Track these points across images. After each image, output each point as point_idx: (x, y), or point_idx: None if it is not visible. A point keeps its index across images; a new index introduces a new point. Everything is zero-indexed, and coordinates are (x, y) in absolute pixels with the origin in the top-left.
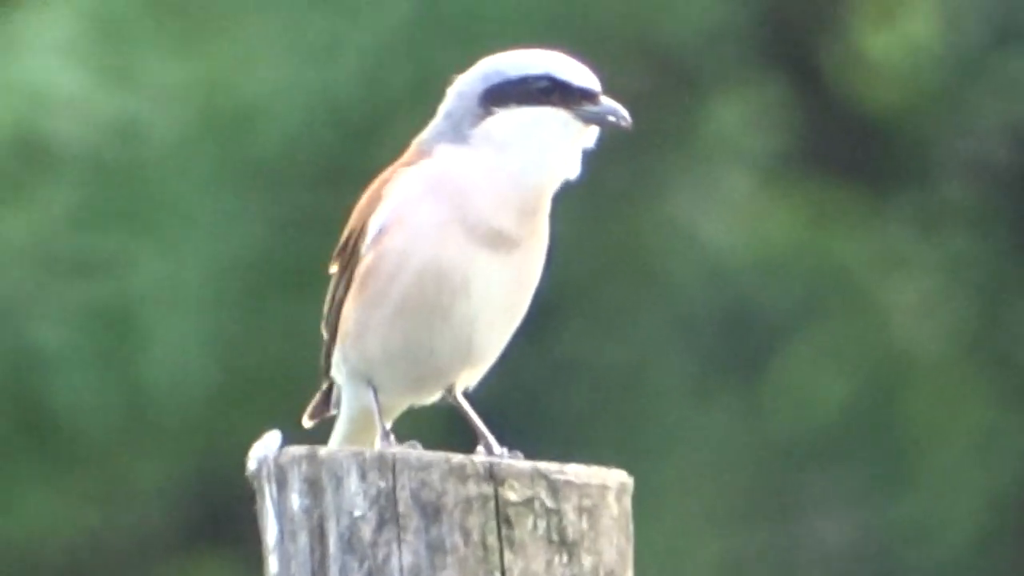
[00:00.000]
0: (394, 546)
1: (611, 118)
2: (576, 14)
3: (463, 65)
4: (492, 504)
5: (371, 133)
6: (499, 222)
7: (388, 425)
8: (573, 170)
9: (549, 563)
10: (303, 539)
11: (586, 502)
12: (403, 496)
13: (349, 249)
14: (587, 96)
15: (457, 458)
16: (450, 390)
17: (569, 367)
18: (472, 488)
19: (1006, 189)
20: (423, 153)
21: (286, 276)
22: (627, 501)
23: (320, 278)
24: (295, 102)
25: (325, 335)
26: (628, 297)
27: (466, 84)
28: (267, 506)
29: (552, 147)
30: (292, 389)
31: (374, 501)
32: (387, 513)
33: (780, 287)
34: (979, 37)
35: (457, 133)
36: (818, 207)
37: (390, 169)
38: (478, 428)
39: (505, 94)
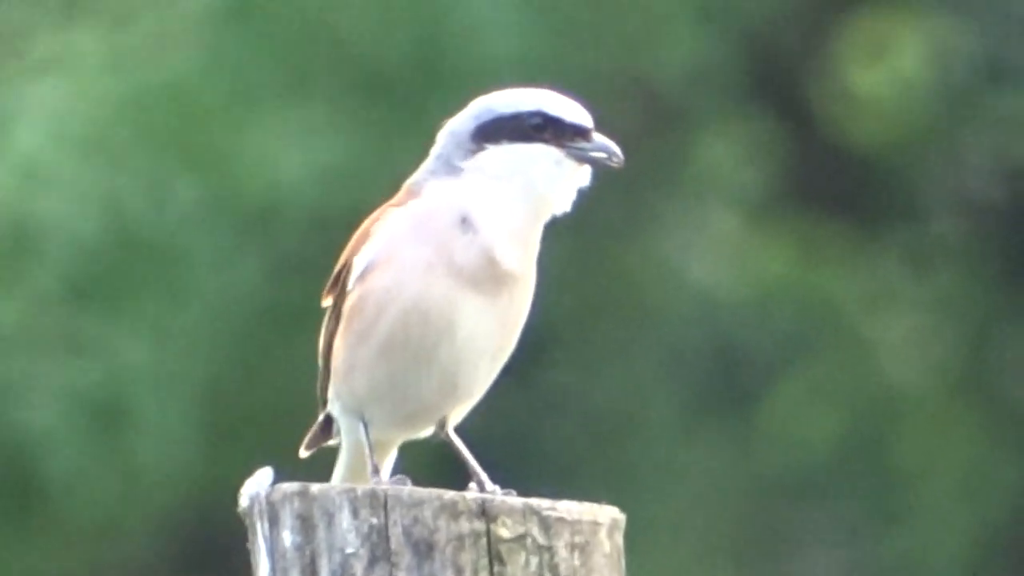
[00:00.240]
0: None
1: (602, 155)
2: (566, 52)
3: (454, 105)
4: (484, 541)
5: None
6: (487, 259)
7: (391, 459)
8: (563, 207)
9: None
10: None
11: (578, 539)
12: (395, 533)
13: (339, 285)
14: (579, 132)
15: (449, 495)
16: (442, 425)
17: (559, 404)
18: (464, 525)
19: (994, 225)
20: (412, 193)
21: (274, 343)
22: (619, 537)
23: (304, 338)
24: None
25: (320, 365)
26: (618, 333)
27: (457, 123)
28: (259, 543)
29: (543, 184)
30: (280, 433)
31: (366, 538)
32: (379, 550)
33: (770, 323)
34: (968, 74)
35: (448, 169)
36: (807, 243)
37: (380, 209)
38: (470, 465)
39: (497, 131)
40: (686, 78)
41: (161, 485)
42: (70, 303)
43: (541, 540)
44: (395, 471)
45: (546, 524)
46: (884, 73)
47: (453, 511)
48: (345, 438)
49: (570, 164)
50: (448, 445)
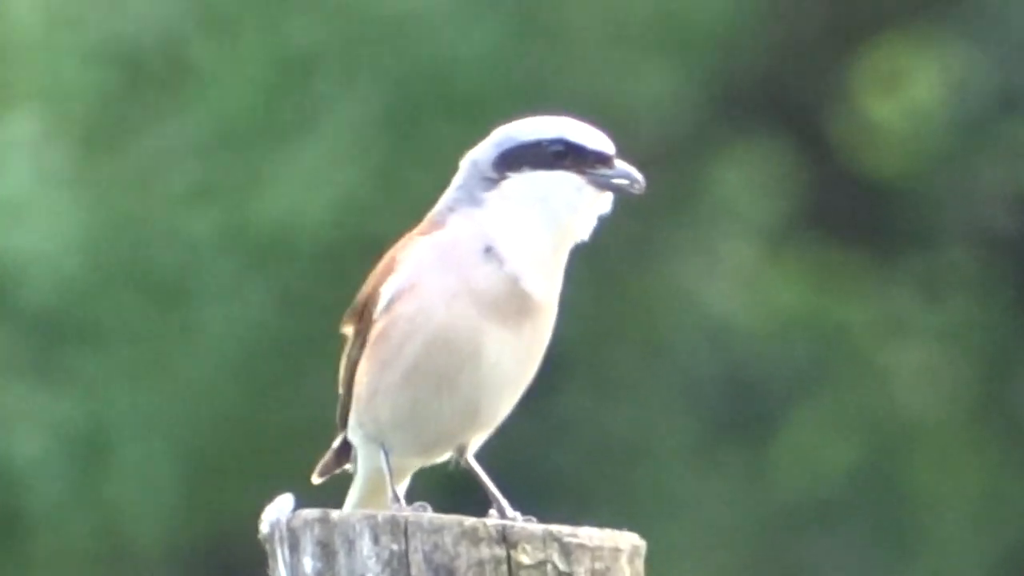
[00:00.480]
0: None
1: (624, 182)
2: (581, 79)
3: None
4: (504, 567)
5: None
6: (512, 288)
7: (405, 486)
8: (584, 234)
9: None
10: None
11: (598, 565)
12: (416, 559)
13: (363, 314)
14: (601, 159)
15: (470, 521)
16: (461, 452)
17: (574, 432)
18: (485, 551)
19: (1009, 255)
20: (436, 224)
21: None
22: (639, 564)
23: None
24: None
25: (341, 392)
26: (633, 362)
27: (479, 152)
28: (279, 569)
29: (565, 211)
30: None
31: (387, 564)
32: None
33: (785, 352)
34: (982, 104)
35: (471, 199)
36: (822, 272)
37: (404, 239)
38: (490, 491)
39: (519, 158)
40: (702, 106)
41: (140, 520)
42: (51, 336)
43: (561, 566)
44: (407, 496)
45: (567, 550)
46: (899, 103)
47: (473, 537)
48: (362, 465)
49: (592, 191)
50: (468, 472)
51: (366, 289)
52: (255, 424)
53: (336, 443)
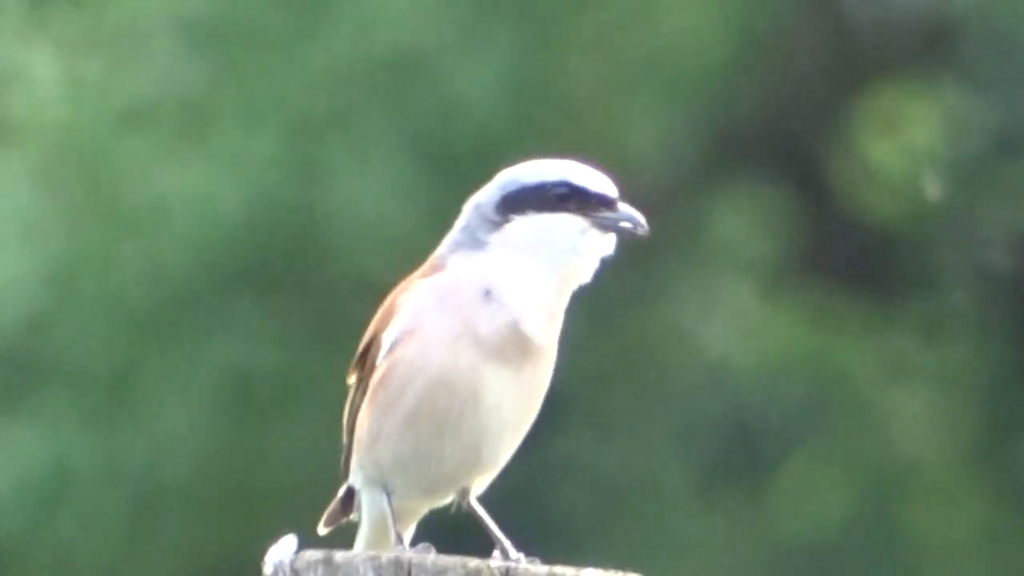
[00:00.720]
0: None
1: (628, 225)
2: (582, 120)
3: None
4: None
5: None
6: (513, 331)
7: (411, 529)
8: (587, 276)
9: None
10: None
11: None
12: None
13: (366, 360)
14: (604, 202)
15: (474, 562)
16: (464, 495)
17: (572, 472)
18: None
19: (1009, 297)
20: (437, 267)
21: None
22: None
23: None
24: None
25: (345, 440)
26: (631, 403)
27: (483, 195)
28: None
29: (568, 254)
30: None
31: None
32: None
33: (784, 393)
34: (981, 146)
35: (474, 241)
36: (821, 314)
37: (405, 281)
38: (493, 533)
39: (522, 201)
40: (700, 148)
41: (93, 559)
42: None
43: None
44: (415, 542)
45: None
46: (898, 144)
47: None
48: (367, 510)
49: (595, 234)
50: (471, 515)
51: (368, 335)
52: (226, 466)
53: (341, 491)
